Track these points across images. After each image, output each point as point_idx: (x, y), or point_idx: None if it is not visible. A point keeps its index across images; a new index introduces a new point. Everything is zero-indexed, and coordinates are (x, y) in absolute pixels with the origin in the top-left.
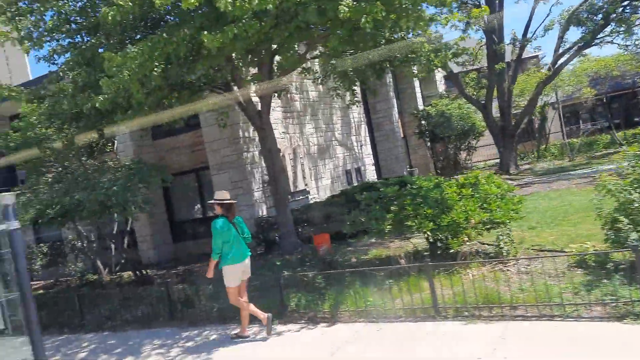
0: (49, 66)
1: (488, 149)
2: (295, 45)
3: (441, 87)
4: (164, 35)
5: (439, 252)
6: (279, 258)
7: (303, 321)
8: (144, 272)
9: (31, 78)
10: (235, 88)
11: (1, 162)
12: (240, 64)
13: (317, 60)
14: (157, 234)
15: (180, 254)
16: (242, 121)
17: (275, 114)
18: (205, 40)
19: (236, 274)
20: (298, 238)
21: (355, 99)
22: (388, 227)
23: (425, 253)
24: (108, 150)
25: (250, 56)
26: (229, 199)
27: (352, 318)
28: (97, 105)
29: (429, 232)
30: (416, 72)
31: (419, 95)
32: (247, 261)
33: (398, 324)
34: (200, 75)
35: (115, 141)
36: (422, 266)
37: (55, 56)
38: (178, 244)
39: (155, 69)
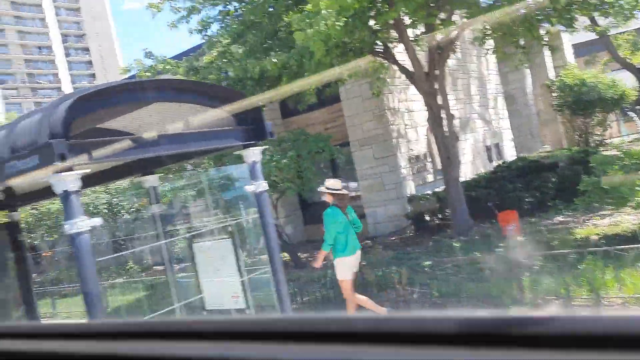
0: (202, 37)
1: None
2: None
3: (569, 56)
4: None
5: None
6: (449, 240)
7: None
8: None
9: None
10: (392, 52)
11: (249, 114)
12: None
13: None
14: (290, 215)
15: (311, 237)
16: (388, 91)
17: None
18: None
19: (350, 266)
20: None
21: (520, 59)
22: None
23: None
24: None
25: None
26: (341, 189)
27: (629, 304)
28: (268, 67)
29: None
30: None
31: (549, 65)
32: (359, 253)
33: None
34: (365, 36)
35: None
36: None
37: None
38: (309, 226)
39: (337, 23)
